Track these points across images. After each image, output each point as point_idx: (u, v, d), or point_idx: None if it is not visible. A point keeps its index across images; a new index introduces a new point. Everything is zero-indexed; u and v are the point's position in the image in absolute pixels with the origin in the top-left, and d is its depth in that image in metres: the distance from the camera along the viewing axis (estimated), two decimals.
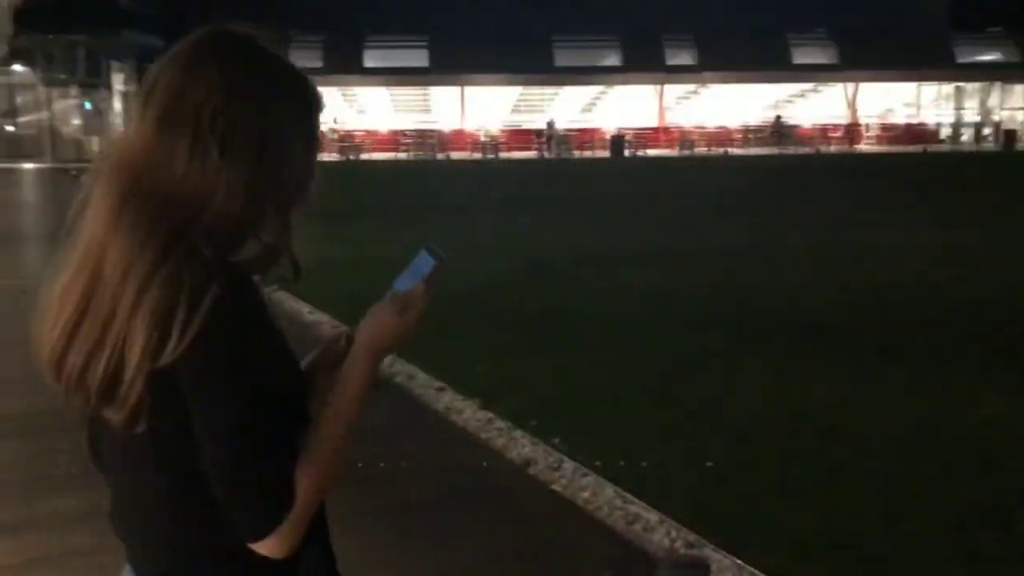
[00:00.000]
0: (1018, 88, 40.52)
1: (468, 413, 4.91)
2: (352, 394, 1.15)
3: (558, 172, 26.29)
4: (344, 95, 38.67)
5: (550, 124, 35.53)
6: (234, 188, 1.09)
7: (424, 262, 1.24)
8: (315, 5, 36.53)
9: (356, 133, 35.83)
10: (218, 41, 1.14)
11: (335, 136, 34.91)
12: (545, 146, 35.08)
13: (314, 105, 1.18)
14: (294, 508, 1.07)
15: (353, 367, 1.16)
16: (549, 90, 38.88)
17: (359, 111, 39.16)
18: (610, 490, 3.88)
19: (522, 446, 4.39)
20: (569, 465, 4.14)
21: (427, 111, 39.04)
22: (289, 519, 1.06)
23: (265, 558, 1.08)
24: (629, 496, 3.82)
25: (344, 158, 32.78)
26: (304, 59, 37.27)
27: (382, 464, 4.25)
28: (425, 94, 38.84)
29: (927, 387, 5.27)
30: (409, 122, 37.86)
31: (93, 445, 1.22)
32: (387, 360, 3.85)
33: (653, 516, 3.63)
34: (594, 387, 5.37)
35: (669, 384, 5.39)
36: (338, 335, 1.30)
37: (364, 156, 33.98)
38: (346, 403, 1.14)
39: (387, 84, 37.85)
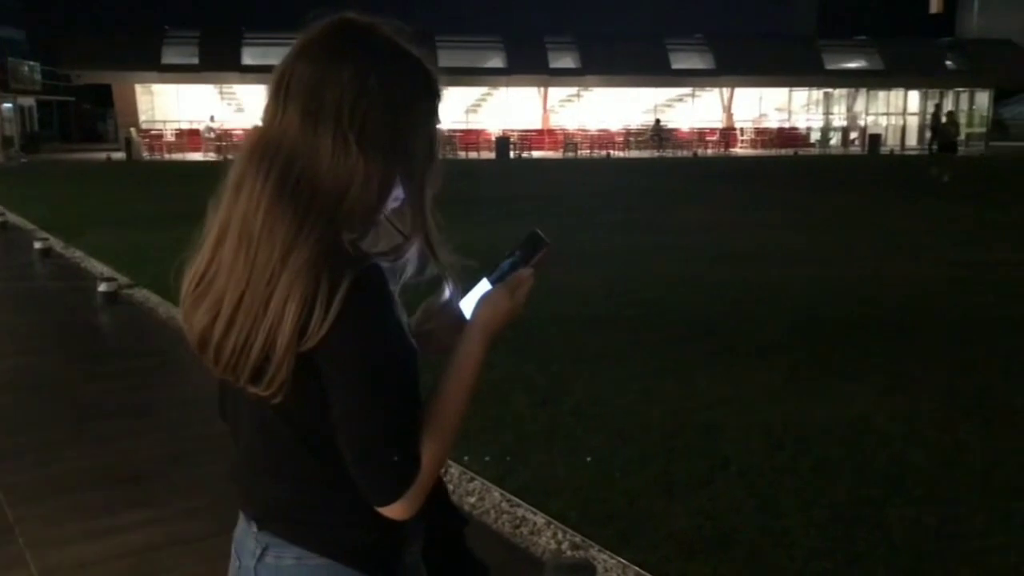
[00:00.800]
0: (882, 94, 42.59)
1: None
2: (471, 371, 1.25)
3: (444, 172, 26.20)
4: (222, 93, 37.60)
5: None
6: (370, 179, 1.17)
7: (530, 246, 1.32)
8: (190, 1, 35.46)
9: (235, 132, 34.87)
10: (346, 33, 1.20)
11: (211, 135, 33.88)
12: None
13: (436, 94, 1.26)
14: (419, 476, 1.18)
15: (470, 346, 1.26)
16: None
17: (238, 109, 38.14)
18: (496, 493, 3.87)
19: None
20: (455, 470, 4.10)
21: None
22: (414, 486, 1.18)
23: (381, 518, 1.20)
24: (515, 499, 3.81)
25: (223, 157, 31.87)
26: (179, 55, 36.14)
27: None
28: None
29: (802, 385, 5.46)
30: None
31: (223, 404, 1.33)
32: None
33: (540, 519, 3.64)
34: (481, 389, 5.34)
35: (556, 384, 5.42)
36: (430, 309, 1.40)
37: None
38: (466, 380, 1.25)
39: (266, 82, 36.96)
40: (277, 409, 1.20)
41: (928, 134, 30.36)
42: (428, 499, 1.22)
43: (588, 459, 4.26)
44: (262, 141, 1.20)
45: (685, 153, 35.99)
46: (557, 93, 40.06)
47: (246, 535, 1.32)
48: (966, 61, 41.46)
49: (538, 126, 39.03)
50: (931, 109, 32.38)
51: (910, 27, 48.53)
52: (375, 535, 1.24)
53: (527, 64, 36.57)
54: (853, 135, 42.10)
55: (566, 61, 36.30)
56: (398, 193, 1.23)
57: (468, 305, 1.34)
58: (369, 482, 1.18)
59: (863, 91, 42.22)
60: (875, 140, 38.23)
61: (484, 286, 1.35)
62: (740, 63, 38.19)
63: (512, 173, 26.07)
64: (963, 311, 7.53)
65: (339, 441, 1.17)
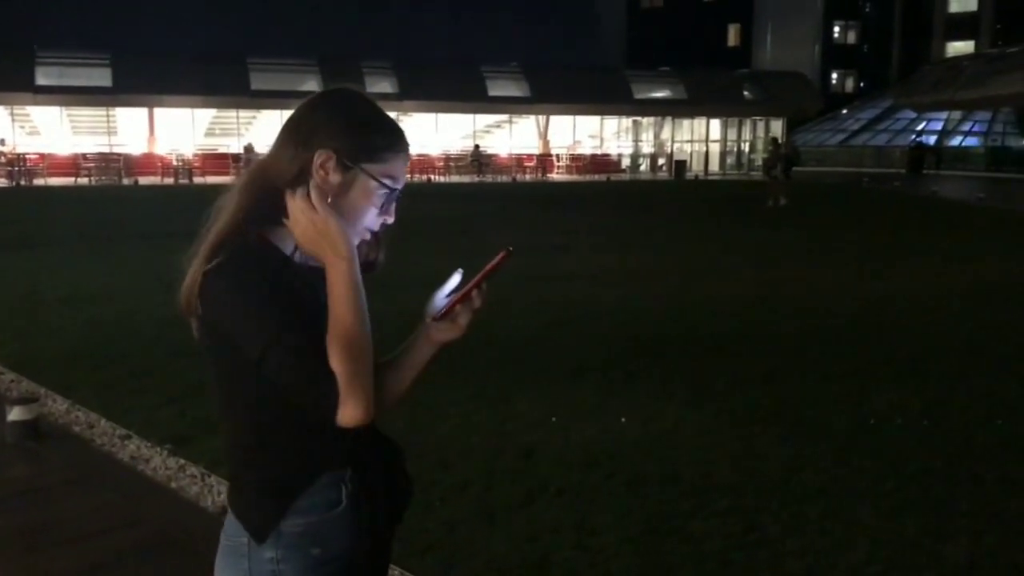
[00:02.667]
0: (686, 122, 44.84)
1: (157, 461, 4.55)
2: (346, 294, 1.43)
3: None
4: (14, 115, 35.13)
5: (248, 148, 34.41)
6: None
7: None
8: None
9: (29, 156, 32.59)
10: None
11: (2, 160, 31.55)
12: (244, 170, 33.89)
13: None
14: (340, 384, 1.38)
15: (332, 274, 1.44)
16: (246, 113, 37.69)
17: (31, 132, 35.70)
18: None
19: (218, 492, 4.13)
20: None
21: (112, 133, 36.35)
22: (342, 394, 1.38)
23: (269, 476, 1.51)
24: None
25: (13, 183, 29.76)
26: None
27: (57, 526, 3.83)
28: (108, 115, 36.13)
29: (616, 403, 5.61)
30: (91, 145, 35.02)
31: None
32: (63, 408, 3.64)
33: None
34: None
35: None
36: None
37: (39, 181, 30.98)
38: (340, 303, 1.42)
39: (64, 104, 34.77)
40: (209, 370, 1.53)
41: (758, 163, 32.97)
42: (359, 474, 1.53)
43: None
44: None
45: (505, 178, 36.60)
46: None
47: None
48: (761, 91, 44.31)
49: None
50: (739, 136, 34.37)
51: (710, 59, 51.39)
52: (260, 497, 1.50)
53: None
54: (661, 161, 44.09)
55: (383, 86, 36.13)
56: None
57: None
58: (308, 406, 1.41)
59: (669, 119, 44.31)
60: (681, 166, 40.21)
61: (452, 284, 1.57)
62: (554, 91, 39.25)
63: None
64: (764, 326, 7.99)
65: (281, 389, 1.42)
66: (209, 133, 37.84)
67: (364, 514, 1.54)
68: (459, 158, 38.58)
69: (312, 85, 36.76)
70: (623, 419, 5.26)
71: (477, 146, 38.45)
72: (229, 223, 1.49)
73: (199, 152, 35.89)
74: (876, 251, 13.57)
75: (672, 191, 29.86)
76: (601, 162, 41.32)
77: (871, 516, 3.98)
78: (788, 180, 23.58)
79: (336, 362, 1.39)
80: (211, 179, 33.28)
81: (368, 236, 1.56)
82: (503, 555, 3.55)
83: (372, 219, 1.55)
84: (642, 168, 44.02)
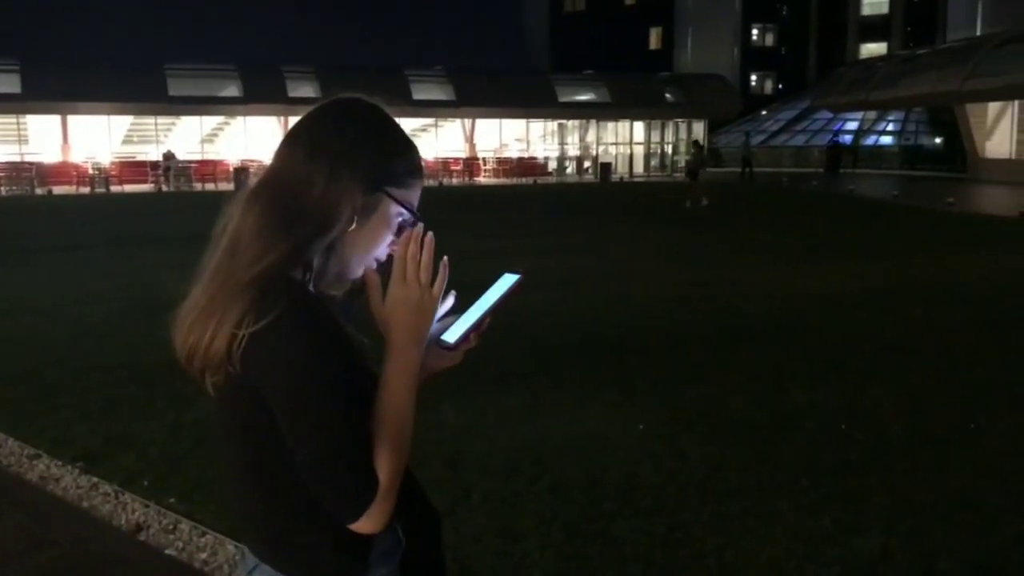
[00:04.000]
0: (611, 125, 45.29)
1: (68, 480, 4.41)
2: (404, 389, 1.33)
3: (179, 206, 24.94)
4: None
5: (168, 156, 33.72)
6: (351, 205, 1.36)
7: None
8: None
9: None
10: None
11: None
12: (163, 179, 33.18)
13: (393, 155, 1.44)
14: (379, 490, 1.25)
15: (397, 365, 1.33)
16: (164, 120, 36.88)
17: None
18: (231, 546, 3.67)
19: (132, 511, 4.02)
20: (186, 526, 3.86)
21: (23, 141, 35.20)
22: (377, 501, 1.25)
23: (346, 542, 1.30)
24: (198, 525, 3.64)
25: None
26: None
27: None
28: (19, 123, 34.99)
29: (542, 407, 5.63)
30: (1, 154, 33.88)
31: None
32: None
33: None
34: (215, 439, 5.08)
35: None
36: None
37: None
38: (400, 397, 1.32)
39: None
40: (233, 432, 1.36)
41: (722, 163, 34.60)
42: (405, 507, 1.35)
43: None
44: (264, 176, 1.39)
45: (431, 183, 36.50)
46: None
47: (245, 554, 1.44)
48: (683, 94, 44.97)
49: None
50: (666, 139, 34.91)
51: (633, 62, 52.02)
52: (337, 554, 1.32)
53: (265, 93, 35.66)
54: (587, 164, 44.44)
55: (306, 90, 35.68)
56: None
57: (456, 331, 1.43)
58: (331, 501, 1.27)
59: (594, 122, 44.71)
60: (606, 168, 40.58)
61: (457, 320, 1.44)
62: (480, 95, 39.29)
63: None
64: (687, 326, 8.10)
65: (297, 464, 1.26)
66: (127, 140, 36.93)
67: (421, 558, 1.45)
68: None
69: (232, 91, 36.21)
70: (550, 423, 5.27)
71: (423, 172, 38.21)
72: (265, 261, 1.28)
73: (116, 160, 34.99)
74: (795, 250, 13.87)
75: (597, 194, 30.13)
76: (528, 165, 41.46)
77: (789, 511, 4.06)
78: (695, 182, 23.90)
79: (384, 464, 1.27)
80: (129, 187, 32.51)
81: (375, 265, 1.40)
82: None
83: (383, 249, 1.41)
84: (568, 171, 44.29)
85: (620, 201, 26.00)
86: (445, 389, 5.94)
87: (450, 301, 1.46)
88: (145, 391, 5.91)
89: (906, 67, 38.43)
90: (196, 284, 1.35)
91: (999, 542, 3.77)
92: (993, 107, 34.95)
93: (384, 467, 1.27)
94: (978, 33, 43.27)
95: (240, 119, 37.33)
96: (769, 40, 64.93)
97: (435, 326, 1.41)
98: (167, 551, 3.72)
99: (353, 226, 1.34)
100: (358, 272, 1.39)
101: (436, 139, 41.72)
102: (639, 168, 44.88)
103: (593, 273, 11.43)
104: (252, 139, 37.12)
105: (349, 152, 1.34)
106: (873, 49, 58.78)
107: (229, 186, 32.40)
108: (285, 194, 1.33)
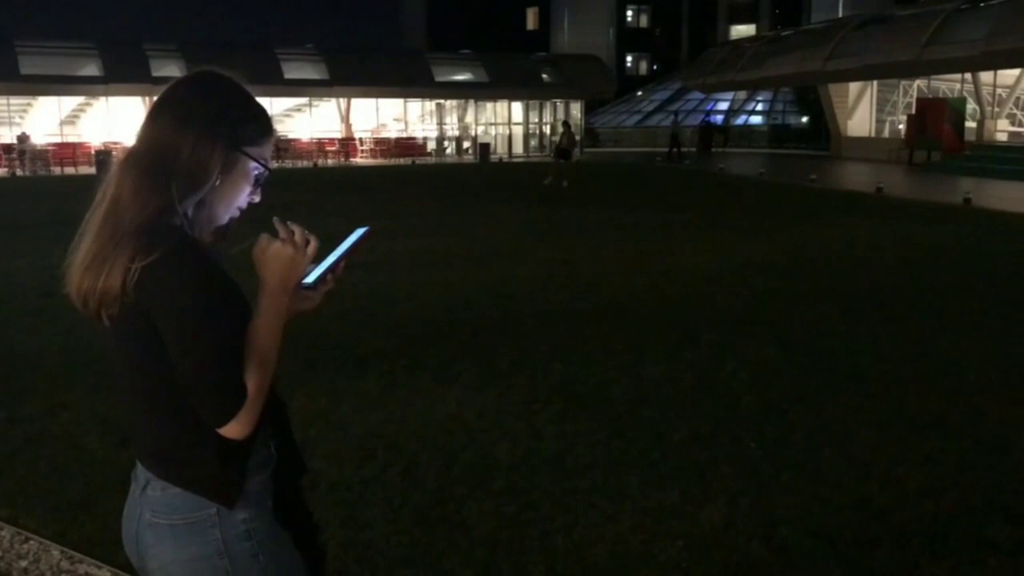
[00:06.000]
0: (489, 105, 45.25)
1: None
2: (272, 320, 1.57)
3: (35, 191, 23.66)
4: None
5: (22, 138, 31.93)
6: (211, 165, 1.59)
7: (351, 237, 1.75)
8: None
9: None
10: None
11: None
12: (18, 162, 31.41)
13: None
14: (247, 400, 1.49)
15: (266, 305, 1.56)
16: (18, 100, 34.90)
17: None
18: (56, 551, 3.46)
19: None
20: (7, 532, 3.61)
21: None
22: (244, 408, 1.48)
23: (226, 444, 1.51)
24: (78, 555, 3.43)
25: None
26: None
27: None
28: None
29: (399, 391, 5.53)
30: None
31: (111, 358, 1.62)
32: None
33: (106, 572, 3.31)
34: (50, 435, 4.80)
35: None
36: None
37: None
38: (268, 327, 1.56)
39: None
40: (130, 355, 1.55)
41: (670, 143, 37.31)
42: (275, 435, 1.64)
43: None
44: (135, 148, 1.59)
45: (305, 164, 35.71)
46: None
47: (137, 472, 1.64)
48: (560, 75, 45.27)
49: None
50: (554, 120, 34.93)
51: (510, 42, 52.04)
52: (219, 466, 1.53)
53: (128, 73, 34.09)
54: (466, 144, 44.30)
55: (171, 69, 34.19)
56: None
57: (315, 273, 1.67)
58: (205, 407, 1.48)
59: (472, 102, 44.57)
60: (485, 148, 40.52)
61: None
62: (354, 74, 38.56)
63: None
64: (553, 304, 8.12)
65: (177, 376, 1.47)
66: None
67: (289, 462, 1.70)
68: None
69: (92, 70, 34.54)
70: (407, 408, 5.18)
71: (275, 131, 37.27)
72: (146, 212, 1.51)
73: None
74: (665, 227, 14.13)
75: (476, 174, 30.04)
76: (406, 145, 41.03)
77: (638, 486, 4.09)
78: (560, 162, 24.11)
79: (252, 379, 1.50)
80: None
81: (238, 214, 1.68)
82: None
83: (244, 198, 1.67)
84: (448, 151, 44.07)
85: (497, 181, 25.99)
86: (298, 375, 5.78)
87: (312, 248, 1.65)
88: None
89: (772, 48, 39.68)
90: (80, 242, 1.56)
91: (838, 508, 3.89)
92: (854, 87, 36.46)
93: (251, 381, 1.50)
94: (840, 15, 45.06)
95: (102, 99, 35.67)
96: (643, 21, 66.04)
97: (312, 271, 1.66)
98: None
99: (219, 182, 1.58)
100: (224, 219, 1.65)
101: (311, 119, 40.84)
102: (519, 148, 45.02)
103: (462, 254, 11.36)
104: (115, 120, 35.56)
105: (214, 120, 1.57)
106: (742, 31, 60.53)
107: (91, 170, 30.92)
108: (159, 159, 1.54)
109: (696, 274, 9.64)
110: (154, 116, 1.59)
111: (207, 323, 1.47)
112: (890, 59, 30.48)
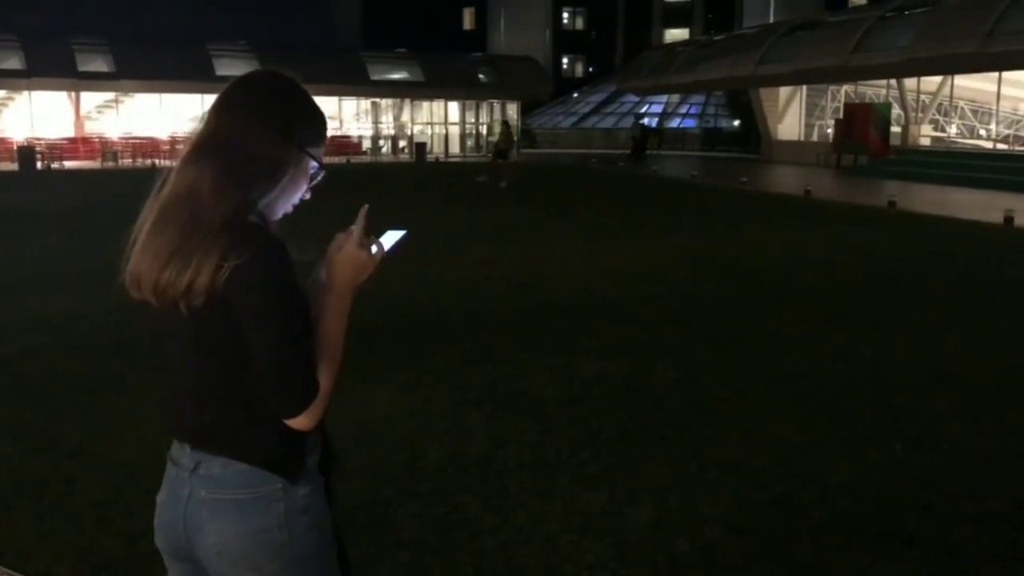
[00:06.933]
0: (425, 105, 45.09)
1: None
2: (342, 320, 1.66)
3: None
4: None
5: None
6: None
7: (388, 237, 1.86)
8: None
9: None
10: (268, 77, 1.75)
11: None
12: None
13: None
14: (319, 394, 1.58)
15: (337, 305, 1.66)
16: None
17: None
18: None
19: None
20: None
21: None
22: (316, 402, 1.58)
23: (287, 431, 1.60)
24: (2, 569, 3.32)
25: None
26: None
27: None
28: None
29: None
30: None
31: (161, 353, 1.70)
32: None
33: None
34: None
35: (55, 424, 4.86)
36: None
37: None
38: (339, 327, 1.65)
39: None
40: (204, 343, 1.60)
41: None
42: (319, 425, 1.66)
43: (85, 503, 3.85)
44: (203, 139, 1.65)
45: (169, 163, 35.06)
46: (93, 98, 36.97)
47: (180, 454, 1.70)
48: (496, 75, 45.34)
49: (71, 133, 35.72)
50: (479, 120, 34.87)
51: (447, 42, 51.89)
52: (284, 444, 1.62)
53: (52, 67, 33.19)
54: (402, 143, 44.09)
55: (98, 64, 33.51)
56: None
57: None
58: (280, 398, 1.57)
59: (408, 101, 44.36)
60: (421, 148, 40.38)
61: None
62: (290, 71, 37.98)
63: (38, 186, 23.50)
64: (489, 304, 8.11)
65: (256, 367, 1.56)
66: None
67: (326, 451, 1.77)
68: (187, 140, 36.47)
69: (14, 63, 33.54)
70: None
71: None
72: (229, 210, 1.57)
73: None
74: (600, 228, 14.23)
75: (412, 173, 29.91)
76: (341, 144, 40.61)
77: (567, 486, 4.10)
78: (499, 162, 24.13)
79: (323, 375, 1.60)
80: None
81: (291, 210, 1.76)
82: None
83: (299, 195, 1.75)
84: (383, 150, 43.79)
85: (434, 181, 25.91)
86: None
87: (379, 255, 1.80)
88: None
89: (705, 52, 40.28)
90: (149, 234, 1.62)
91: (762, 505, 3.95)
92: (784, 91, 37.20)
93: (324, 377, 1.60)
94: (771, 20, 45.91)
95: (25, 94, 34.64)
96: (579, 23, 66.45)
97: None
98: None
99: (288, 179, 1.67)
100: (279, 214, 1.71)
101: None
102: (455, 148, 44.96)
103: (396, 255, 11.25)
104: (40, 115, 34.58)
105: (287, 121, 1.66)
106: (676, 34, 61.28)
107: (13, 166, 30.01)
108: (237, 157, 1.61)
109: (629, 275, 9.72)
110: (223, 112, 1.66)
111: (289, 321, 1.56)
112: (819, 64, 31.18)
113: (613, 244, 12.32)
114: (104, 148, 34.52)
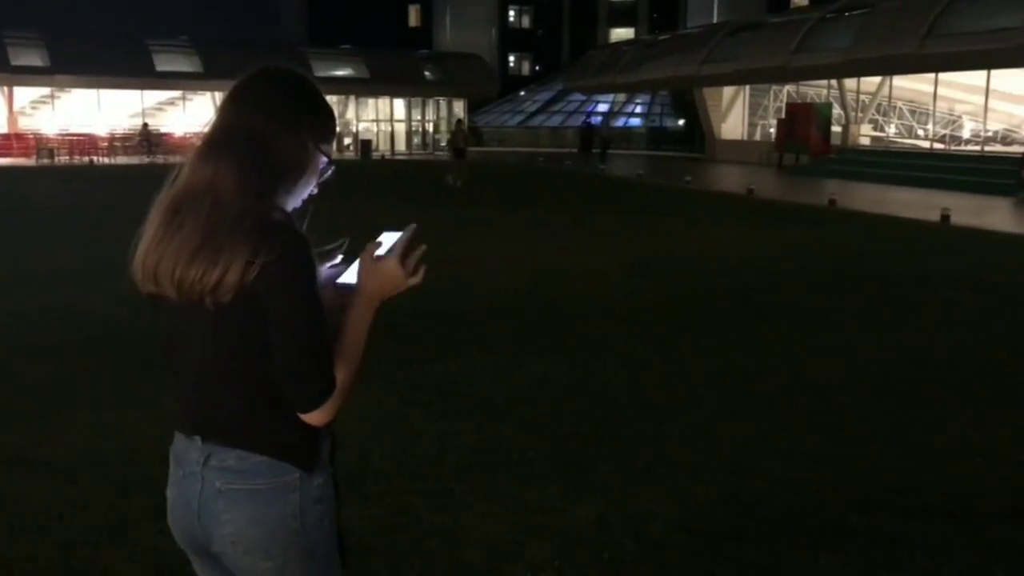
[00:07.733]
0: (371, 102, 44.79)
1: None
2: (365, 326, 1.68)
3: None
4: None
5: None
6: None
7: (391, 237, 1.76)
8: None
9: None
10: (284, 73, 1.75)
11: None
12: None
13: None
14: (335, 391, 1.61)
15: (364, 312, 1.69)
16: None
17: None
18: None
19: None
20: None
21: None
22: (332, 399, 1.61)
23: (302, 423, 1.62)
24: None
25: None
26: None
27: None
28: None
29: None
30: None
31: (171, 352, 1.73)
32: None
33: None
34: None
35: None
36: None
37: None
38: (362, 331, 1.68)
39: None
40: (226, 336, 1.61)
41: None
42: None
43: (20, 513, 3.74)
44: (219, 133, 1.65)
45: (178, 159, 34.41)
46: (27, 93, 36.06)
47: (188, 448, 1.69)
48: (442, 73, 45.22)
49: (4, 130, 34.79)
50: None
51: (392, 39, 51.57)
52: (302, 435, 1.64)
53: None
54: (347, 140, 43.76)
55: (32, 59, 32.69)
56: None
57: (351, 276, 1.74)
58: (298, 391, 1.59)
59: (352, 98, 44.02)
60: (367, 145, 40.10)
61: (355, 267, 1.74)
62: (230, 67, 36.82)
63: None
64: (436, 304, 8.06)
65: (276, 362, 1.58)
66: None
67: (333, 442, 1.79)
68: (126, 137, 35.86)
69: None
70: None
71: (146, 124, 35.91)
72: (253, 206, 1.58)
73: None
74: (546, 228, 14.26)
75: (358, 171, 29.66)
76: None
77: (514, 485, 4.09)
78: (460, 160, 24.07)
79: (341, 374, 1.62)
80: None
81: (300, 205, 1.76)
82: (124, 573, 3.24)
83: (309, 190, 1.77)
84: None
85: (379, 179, 25.74)
86: (164, 383, 5.55)
87: (339, 256, 1.83)
88: None
89: (650, 52, 40.60)
90: (165, 230, 1.61)
91: (707, 502, 3.98)
92: (728, 91, 37.66)
93: (341, 375, 1.62)
94: (715, 20, 46.44)
95: None
96: (526, 22, 66.57)
97: (328, 272, 1.77)
98: None
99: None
100: (290, 209, 1.70)
101: (184, 113, 39.51)
102: (401, 146, 44.74)
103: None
104: None
105: (304, 118, 1.68)
106: (622, 34, 61.71)
107: None
108: (258, 153, 1.62)
109: (576, 274, 9.76)
110: (236, 107, 1.67)
111: (313, 318, 1.58)
112: (761, 65, 31.63)
113: (558, 243, 12.35)
114: (39, 145, 33.69)
